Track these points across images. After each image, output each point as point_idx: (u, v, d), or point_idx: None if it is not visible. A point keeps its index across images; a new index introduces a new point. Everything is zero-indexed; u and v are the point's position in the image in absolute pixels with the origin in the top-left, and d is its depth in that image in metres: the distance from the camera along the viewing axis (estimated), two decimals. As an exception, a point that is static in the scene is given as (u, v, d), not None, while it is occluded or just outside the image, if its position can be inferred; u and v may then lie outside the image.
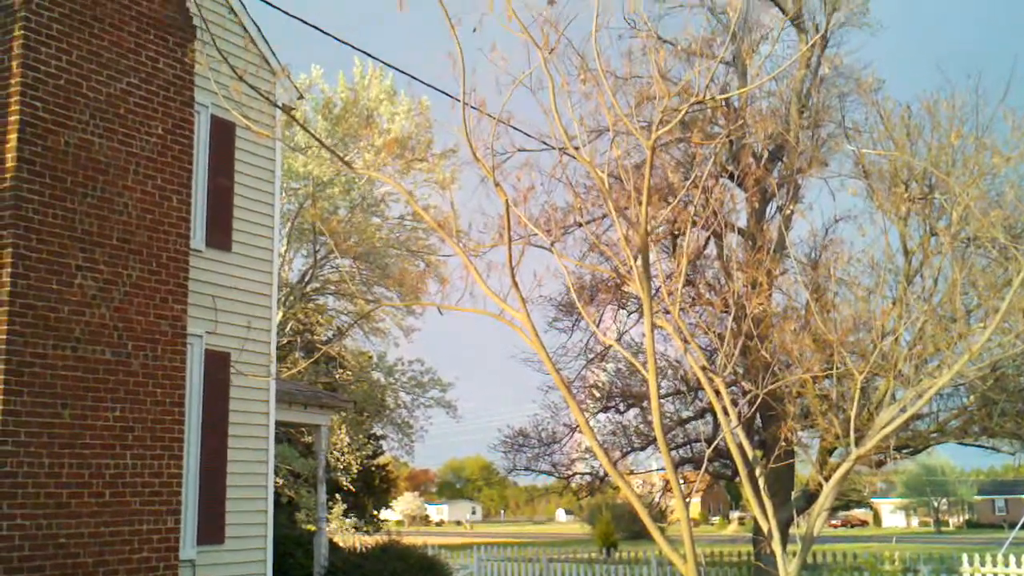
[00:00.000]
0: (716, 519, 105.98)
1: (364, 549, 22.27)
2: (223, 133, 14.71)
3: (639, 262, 8.45)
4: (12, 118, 11.27)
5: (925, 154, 17.34)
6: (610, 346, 19.30)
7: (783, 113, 22.62)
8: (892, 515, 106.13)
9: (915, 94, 18.87)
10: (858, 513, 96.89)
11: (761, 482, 9.79)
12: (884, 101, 19.96)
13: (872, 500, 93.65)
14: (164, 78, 12.84)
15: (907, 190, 17.57)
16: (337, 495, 38.49)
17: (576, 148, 8.93)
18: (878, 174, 18.97)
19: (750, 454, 10.10)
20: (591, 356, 25.32)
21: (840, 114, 22.84)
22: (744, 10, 20.59)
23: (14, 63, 11.39)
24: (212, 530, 14.09)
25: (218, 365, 14.32)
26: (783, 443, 14.47)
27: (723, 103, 20.23)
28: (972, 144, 16.47)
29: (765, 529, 9.54)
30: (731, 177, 20.90)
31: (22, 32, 11.40)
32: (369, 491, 44.04)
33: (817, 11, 23.82)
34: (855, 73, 23.06)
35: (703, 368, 9.72)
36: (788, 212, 20.94)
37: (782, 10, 23.50)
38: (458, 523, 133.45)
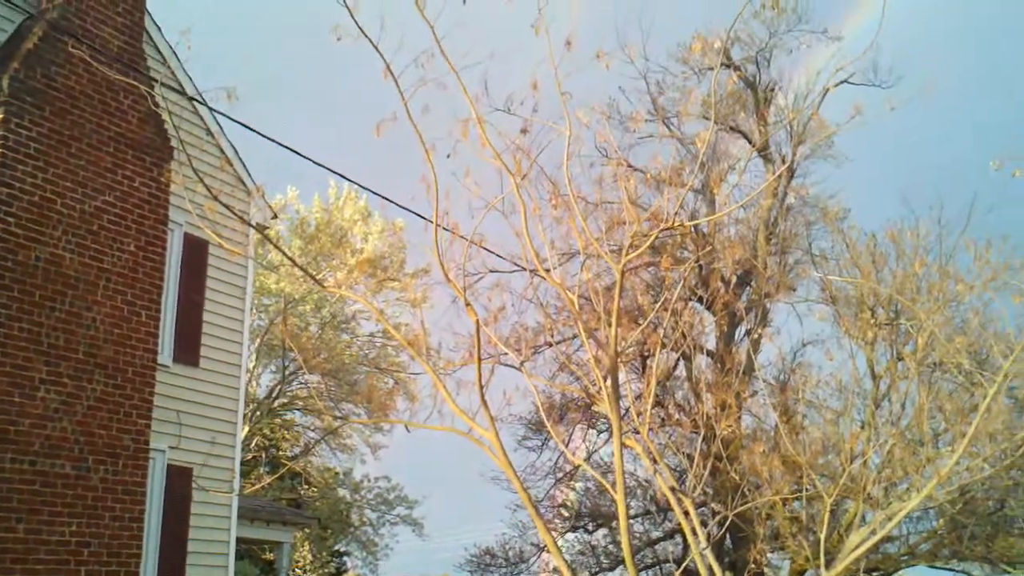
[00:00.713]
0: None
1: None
2: (196, 250, 14.78)
3: (608, 383, 8.49)
4: (-15, 231, 11.29)
5: (890, 281, 17.70)
6: (579, 466, 19.18)
7: (751, 240, 23.07)
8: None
9: (880, 223, 19.34)
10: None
11: (731, 607, 9.66)
12: (850, 230, 20.51)
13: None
14: (139, 196, 12.95)
15: (873, 316, 17.86)
16: (299, 616, 37.38)
17: (547, 270, 9.05)
18: (845, 300, 19.30)
19: (720, 578, 9.97)
20: (560, 475, 25.12)
21: (807, 241, 23.37)
22: (712, 141, 21.17)
23: (-10, 177, 11.47)
24: (167, 655, 13.61)
25: (180, 480, 14.07)
26: (753, 565, 14.33)
27: (692, 229, 20.63)
28: (936, 272, 16.85)
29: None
30: (700, 301, 21.14)
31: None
32: (332, 611, 42.79)
33: (783, 143, 24.56)
34: (821, 202, 23.72)
35: (672, 489, 9.68)
36: (756, 336, 21.13)
37: (749, 142, 24.18)
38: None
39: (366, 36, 7.92)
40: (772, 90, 24.69)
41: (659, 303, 13.22)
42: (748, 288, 23.05)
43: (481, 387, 8.23)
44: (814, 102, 23.45)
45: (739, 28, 22.97)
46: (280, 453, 34.78)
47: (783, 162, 23.72)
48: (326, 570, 35.23)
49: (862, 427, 15.28)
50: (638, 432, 9.84)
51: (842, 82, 23.13)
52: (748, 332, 21.99)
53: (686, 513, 9.50)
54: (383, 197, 11.73)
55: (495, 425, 8.23)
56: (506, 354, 9.65)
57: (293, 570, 32.15)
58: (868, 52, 20.36)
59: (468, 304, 8.54)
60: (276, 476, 29.98)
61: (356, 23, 7.89)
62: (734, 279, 22.36)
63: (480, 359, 8.31)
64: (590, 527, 25.49)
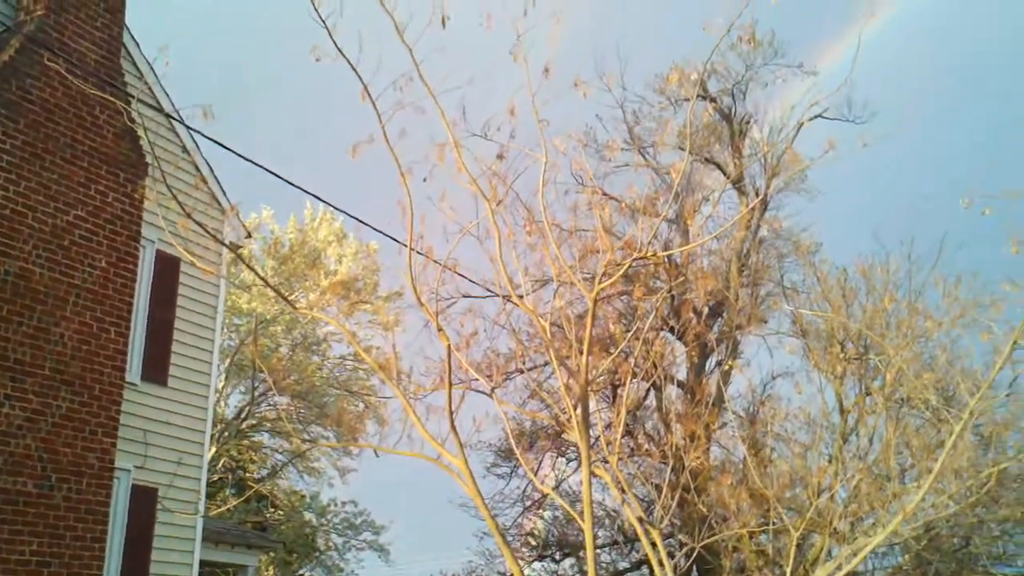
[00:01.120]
0: None
1: None
2: (168, 268, 14.68)
3: (579, 411, 8.49)
4: (-47, 243, 11.17)
5: (860, 316, 17.80)
6: (547, 494, 19.14)
7: (723, 271, 23.18)
8: None
9: (852, 258, 19.45)
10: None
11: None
12: (821, 263, 20.63)
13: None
14: (112, 212, 12.87)
15: (843, 350, 17.95)
16: (261, 642, 36.93)
17: (520, 296, 9.07)
18: (815, 333, 19.40)
19: (686, 611, 9.96)
20: (528, 503, 25.02)
21: (779, 274, 23.49)
22: (687, 172, 21.32)
23: (-39, 189, 11.36)
24: None
25: (145, 501, 13.90)
26: (719, 599, 14.28)
27: (665, 259, 20.72)
28: (905, 308, 17.00)
29: None
30: (672, 331, 21.21)
31: (-28, 159, 11.42)
32: (295, 638, 42.30)
33: (758, 176, 24.75)
34: (794, 235, 23.87)
35: (640, 519, 9.67)
36: (727, 367, 21.20)
37: (724, 173, 24.36)
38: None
39: (344, 57, 7.96)
40: (747, 123, 24.91)
41: (631, 332, 13.24)
42: (720, 319, 23.14)
43: (451, 413, 8.22)
44: (788, 136, 23.65)
45: (716, 60, 23.13)
46: (247, 475, 34.47)
47: (757, 195, 23.89)
48: (290, 595, 34.87)
49: (829, 461, 15.35)
50: (607, 461, 9.84)
51: (816, 116, 23.36)
52: (719, 363, 22.06)
53: (653, 544, 9.49)
54: (358, 219, 11.73)
55: (464, 451, 8.21)
56: (477, 380, 9.64)
57: (257, 594, 31.79)
58: (843, 87, 20.59)
59: (440, 329, 8.54)
60: (242, 499, 29.69)
61: (335, 44, 7.93)
62: (706, 310, 22.45)
63: (451, 384, 8.30)
64: (557, 556, 25.38)
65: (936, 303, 16.34)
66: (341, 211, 15.57)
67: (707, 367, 22.96)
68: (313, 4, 7.84)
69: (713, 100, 24.62)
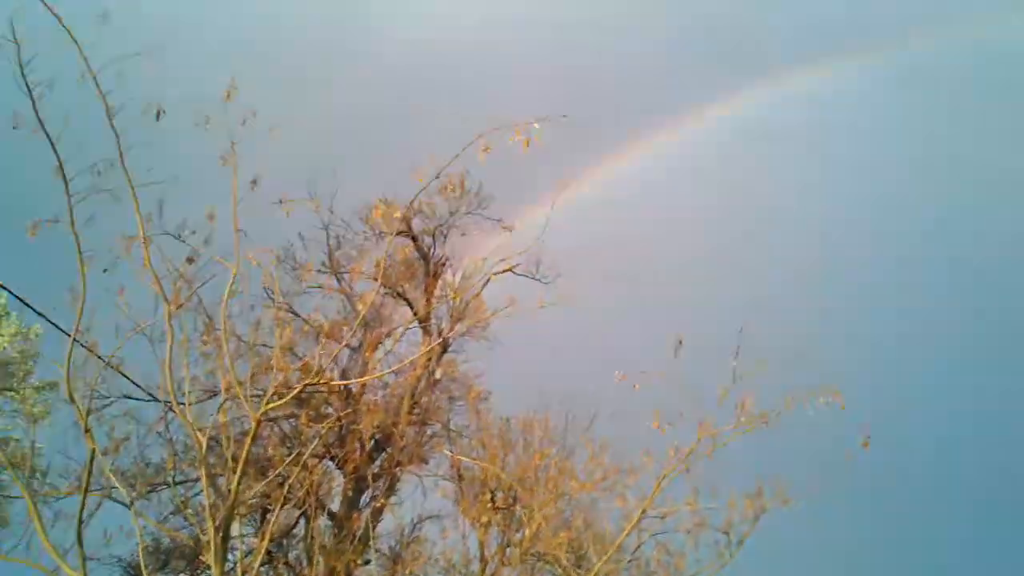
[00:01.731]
0: None
1: None
2: None
3: (219, 536, 8.25)
4: None
5: (515, 468, 18.57)
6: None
7: (395, 406, 23.44)
8: None
9: (519, 410, 20.37)
10: None
11: None
12: (487, 412, 21.43)
13: None
14: None
15: (493, 499, 18.55)
16: None
17: (182, 405, 8.84)
18: (470, 479, 19.97)
19: None
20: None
21: (447, 416, 24.06)
22: (376, 303, 21.66)
23: None
24: None
25: None
26: None
27: (340, 387, 20.73)
28: (555, 466, 17.95)
29: None
30: (333, 459, 21.03)
31: None
32: None
33: (444, 318, 25.47)
34: (468, 380, 24.63)
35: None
36: (380, 504, 21.23)
37: (413, 311, 24.91)
38: None
39: (44, 131, 7.71)
40: (443, 265, 25.67)
41: (291, 456, 13.11)
42: (383, 454, 23.23)
43: (80, 522, 7.77)
44: (478, 285, 24.64)
45: (423, 200, 23.91)
46: None
47: (440, 336, 24.55)
48: None
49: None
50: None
51: (506, 270, 24.53)
52: (373, 499, 22.03)
53: None
54: (20, 299, 11.00)
55: (86, 566, 7.73)
56: (116, 488, 9.17)
57: None
58: (532, 249, 21.85)
59: (88, 429, 8.12)
60: None
61: (37, 115, 7.65)
62: (371, 443, 22.50)
63: (86, 491, 7.87)
64: None
65: (583, 464, 17.36)
66: (3, 287, 14.48)
67: (362, 501, 22.86)
68: (21, 69, 7.57)
69: (414, 238, 25.28)
